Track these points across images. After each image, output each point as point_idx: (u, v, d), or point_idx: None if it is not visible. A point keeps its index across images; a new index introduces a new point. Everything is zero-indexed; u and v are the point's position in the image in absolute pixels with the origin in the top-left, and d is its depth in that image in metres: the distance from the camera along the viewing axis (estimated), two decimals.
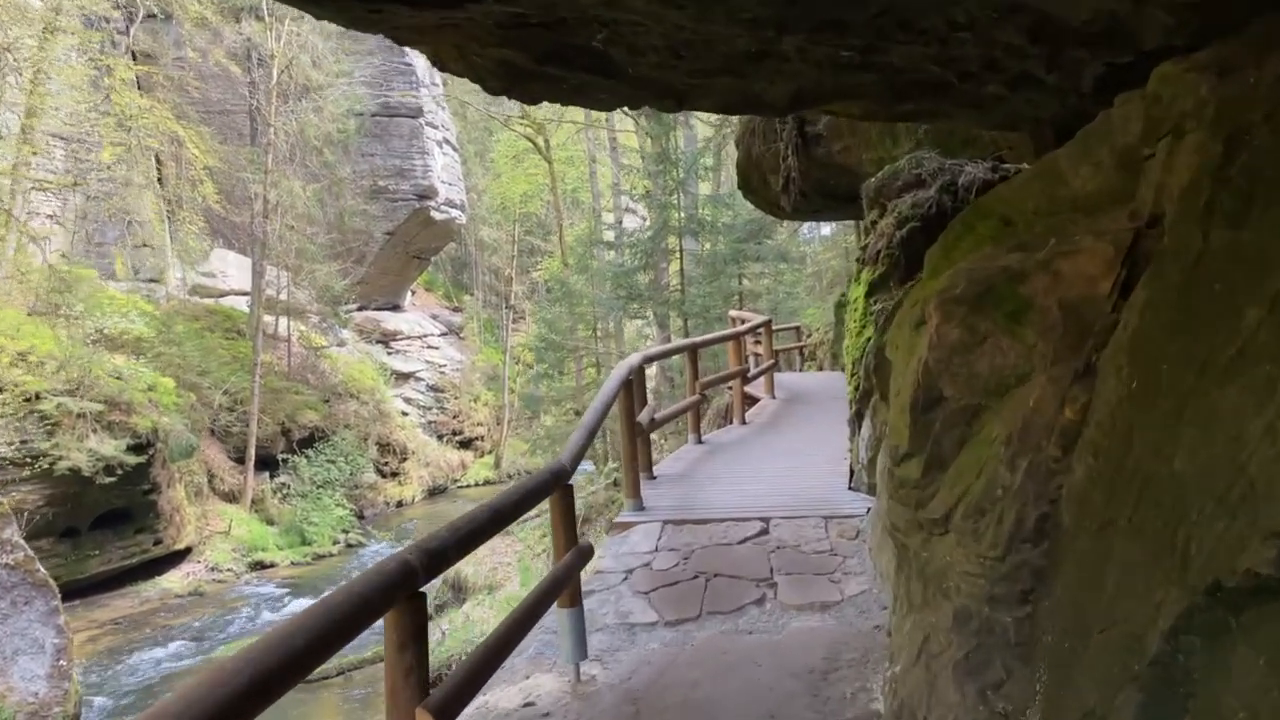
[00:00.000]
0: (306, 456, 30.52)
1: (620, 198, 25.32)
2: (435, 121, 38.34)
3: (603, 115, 28.89)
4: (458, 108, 41.88)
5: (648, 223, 21.89)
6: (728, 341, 13.15)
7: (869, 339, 9.61)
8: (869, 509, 8.26)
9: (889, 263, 9.87)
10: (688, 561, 7.50)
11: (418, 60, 37.35)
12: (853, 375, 9.82)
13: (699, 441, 11.64)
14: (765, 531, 8.02)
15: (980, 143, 11.51)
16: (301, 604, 25.00)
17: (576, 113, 30.17)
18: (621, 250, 21.05)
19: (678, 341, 11.01)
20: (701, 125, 24.34)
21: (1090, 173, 5.92)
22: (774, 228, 23.27)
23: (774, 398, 14.73)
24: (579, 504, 20.27)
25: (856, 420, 9.63)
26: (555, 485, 5.57)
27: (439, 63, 7.68)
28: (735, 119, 19.47)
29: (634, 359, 9.18)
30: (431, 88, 38.87)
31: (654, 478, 9.87)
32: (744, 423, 12.94)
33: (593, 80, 7.26)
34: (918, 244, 9.87)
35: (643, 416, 9.09)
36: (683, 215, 20.02)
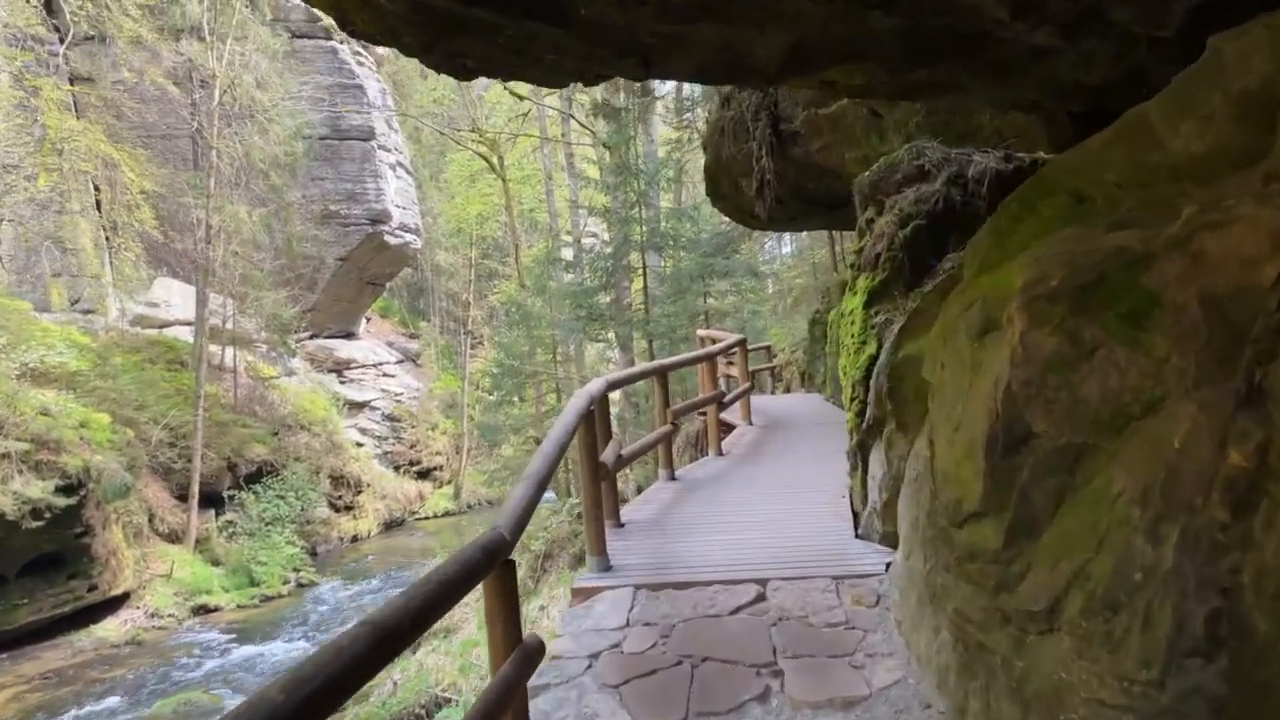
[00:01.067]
0: (254, 492, 28.62)
1: (579, 213, 23.67)
2: (388, 144, 36.57)
3: (559, 129, 27.32)
4: (412, 131, 40.16)
5: (607, 240, 20.26)
6: (700, 363, 11.47)
7: (871, 356, 7.97)
8: (888, 564, 6.58)
9: (891, 267, 8.26)
10: (668, 641, 5.78)
11: (369, 81, 35.62)
12: (853, 399, 8.17)
13: (671, 477, 9.95)
14: (762, 597, 6.32)
15: (980, 135, 9.94)
16: (248, 651, 23.31)
17: (531, 127, 28.65)
18: (581, 268, 19.36)
19: (645, 364, 9.36)
20: (664, 130, 22.88)
21: (1195, 129, 4.30)
22: (742, 241, 21.73)
23: (751, 424, 13.09)
24: (537, 540, 18.52)
25: (859, 453, 7.97)
26: (489, 566, 3.87)
27: (344, 21, 5.89)
28: (701, 121, 17.92)
29: (595, 385, 7.47)
30: (384, 110, 37.13)
31: (621, 525, 8.15)
32: (721, 453, 11.27)
33: (536, 30, 5.57)
34: (924, 245, 8.28)
35: (607, 455, 7.38)
36: (645, 229, 18.40)
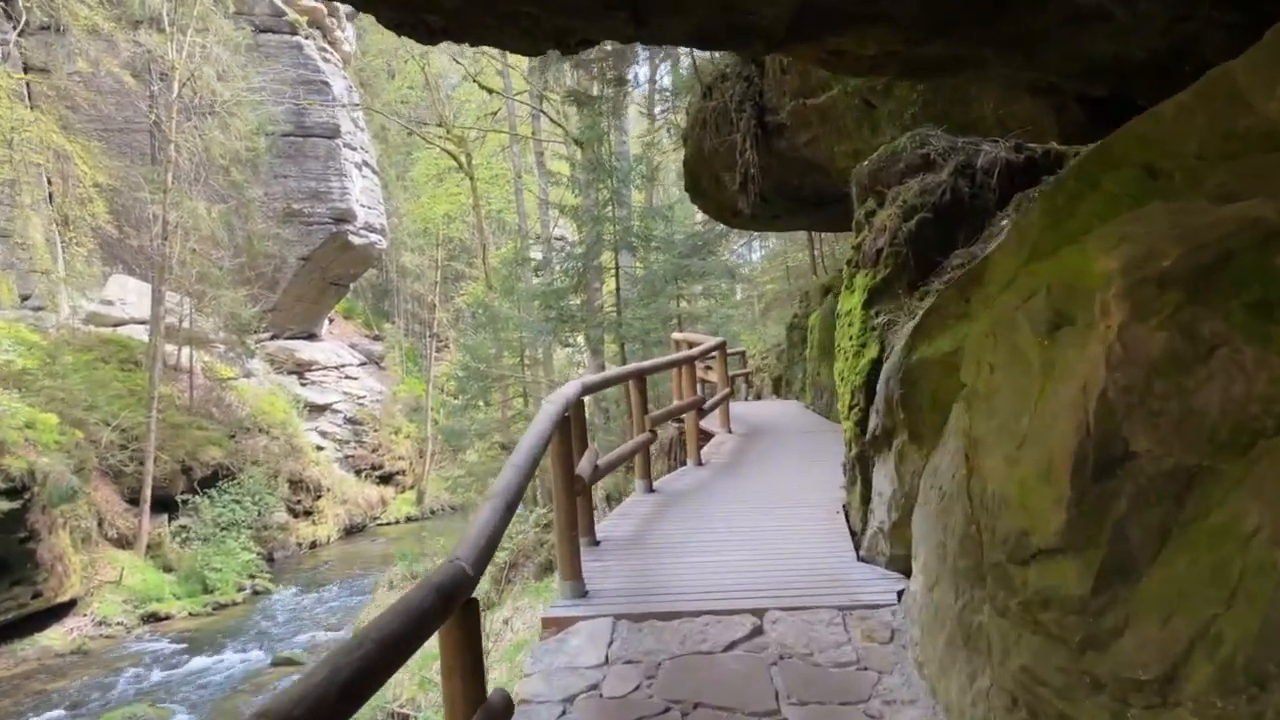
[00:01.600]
0: (209, 496, 27.48)
1: (548, 213, 22.75)
2: (354, 143, 35.51)
3: (529, 128, 26.40)
4: (378, 130, 39.11)
5: (578, 239, 19.36)
6: (678, 367, 10.66)
7: (873, 360, 7.21)
8: (900, 592, 5.80)
9: (894, 264, 7.49)
10: (653, 682, 4.96)
11: (335, 78, 34.57)
12: (852, 407, 7.40)
13: (650, 489, 9.12)
14: (759, 630, 5.51)
15: (982, 126, 9.20)
16: (200, 662, 22.26)
17: (501, 126, 27.77)
18: (551, 268, 18.46)
19: (621, 368, 8.52)
20: (638, 127, 22.04)
21: None
22: (719, 242, 20.98)
23: (730, 432, 12.30)
24: (502, 549, 17.58)
25: (859, 466, 7.19)
26: (445, 611, 3.06)
27: None
28: (679, 115, 17.16)
29: (571, 389, 6.65)
30: (351, 108, 36.08)
31: (597, 543, 7.31)
32: (700, 463, 10.46)
33: None
34: (929, 239, 7.52)
35: (583, 467, 6.56)
36: (618, 229, 17.57)
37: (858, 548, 6.90)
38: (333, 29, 35.68)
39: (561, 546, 6.15)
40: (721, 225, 19.05)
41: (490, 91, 26.19)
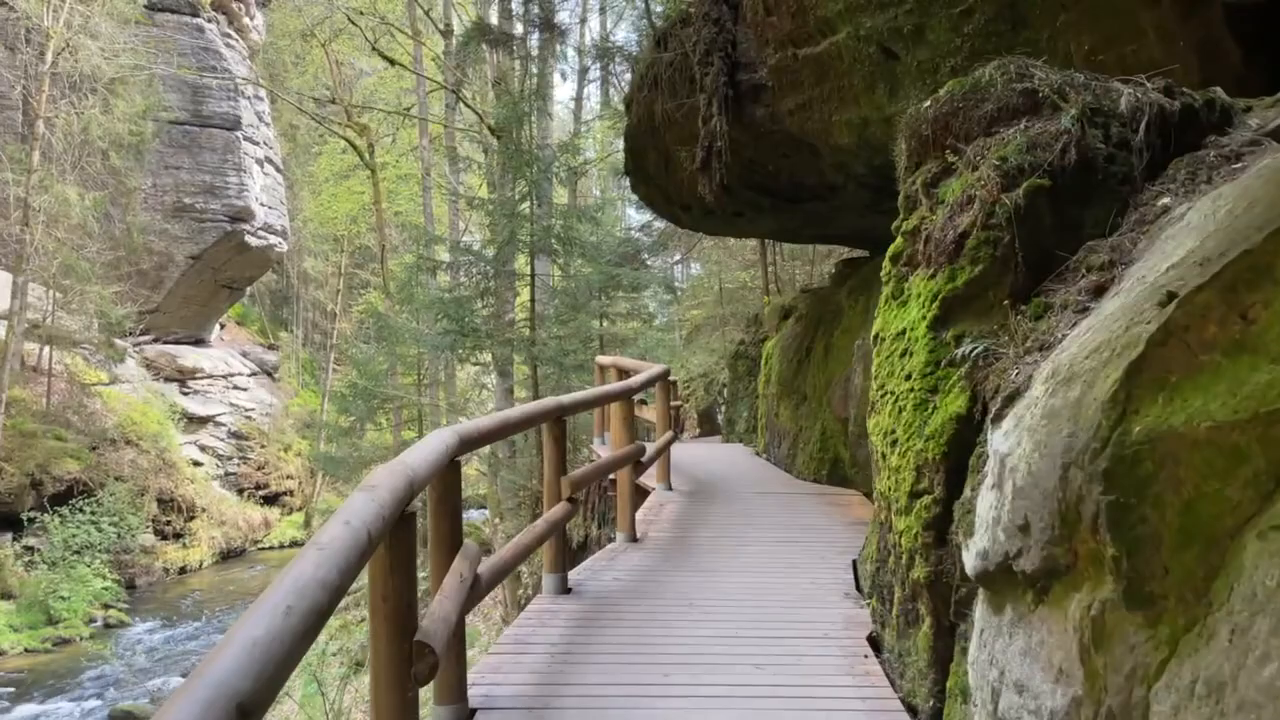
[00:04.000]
0: (61, 515, 23.27)
1: (458, 208, 19.25)
2: (256, 137, 31.46)
3: (439, 107, 22.70)
4: (286, 128, 35.05)
5: (486, 239, 15.85)
6: (607, 404, 7.31)
7: (957, 417, 4.00)
8: None
9: (989, 258, 4.25)
10: None
11: (238, 67, 30.53)
12: (917, 494, 4.19)
13: (564, 588, 5.76)
14: None
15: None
16: (25, 712, 18.35)
17: (414, 121, 24.17)
18: (456, 270, 15.00)
19: (531, 404, 5.24)
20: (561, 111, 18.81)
21: None
22: (656, 250, 17.75)
23: (670, 488, 9.03)
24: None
25: (937, 613, 3.98)
26: None
27: None
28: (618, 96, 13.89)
29: (432, 448, 3.32)
30: (255, 101, 32.04)
31: (469, 713, 3.93)
32: (635, 538, 7.12)
33: None
34: (1045, 219, 4.35)
35: (435, 617, 3.18)
36: (536, 229, 14.16)
37: None
38: (240, 15, 31.67)
39: None
40: (662, 228, 15.79)
41: (392, 63, 22.60)
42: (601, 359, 11.08)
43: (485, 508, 20.82)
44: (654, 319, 19.61)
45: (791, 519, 7.81)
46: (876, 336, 4.95)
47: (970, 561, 3.59)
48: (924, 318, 4.48)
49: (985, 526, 3.49)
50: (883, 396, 4.69)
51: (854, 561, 6.55)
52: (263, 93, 32.22)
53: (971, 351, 4.15)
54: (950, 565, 3.95)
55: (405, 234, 27.28)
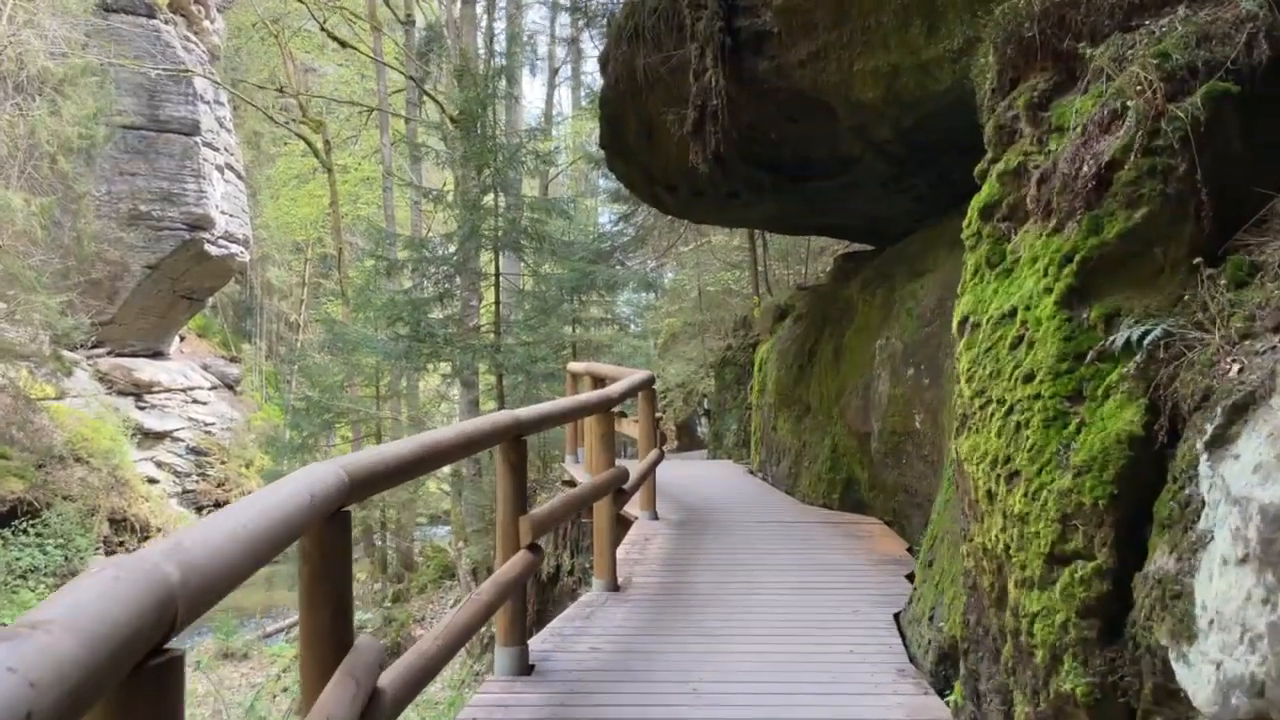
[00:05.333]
0: (3, 538, 21.27)
1: (420, 210, 17.60)
2: (216, 143, 29.57)
3: (400, 96, 20.92)
4: (250, 136, 33.16)
5: (444, 234, 14.13)
6: (580, 419, 5.69)
7: (1130, 438, 2.38)
8: None
9: (1155, 199, 2.71)
10: None
11: (197, 69, 28.69)
12: (1066, 557, 2.60)
13: (524, 667, 4.16)
14: None
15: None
16: None
17: (375, 122, 22.47)
18: (411, 270, 13.26)
19: (474, 424, 3.67)
20: (530, 92, 17.15)
21: None
22: (634, 247, 16.10)
23: (656, 517, 7.45)
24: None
25: None
26: None
27: None
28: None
29: (277, 504, 1.66)
30: (215, 106, 30.17)
31: None
32: (615, 586, 5.53)
33: None
34: (1232, 142, 2.79)
35: None
36: (501, 222, 12.49)
37: None
38: (200, 17, 29.84)
39: None
40: (641, 221, 14.21)
41: (343, 45, 20.89)
42: (574, 365, 9.46)
43: (450, 524, 19.09)
44: (630, 325, 18.01)
45: (806, 556, 6.24)
46: (965, 322, 3.41)
47: (1205, 690, 2.05)
48: (1050, 290, 2.94)
49: (1241, 633, 1.95)
50: (983, 407, 3.14)
51: (896, 617, 5.00)
52: (224, 97, 30.40)
53: (1142, 337, 2.60)
54: (1133, 678, 2.40)
55: (369, 239, 25.57)
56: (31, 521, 22.11)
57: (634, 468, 6.68)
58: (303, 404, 15.91)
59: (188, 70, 25.73)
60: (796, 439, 8.54)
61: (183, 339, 31.95)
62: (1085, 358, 2.77)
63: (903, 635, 4.79)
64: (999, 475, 2.97)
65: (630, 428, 8.11)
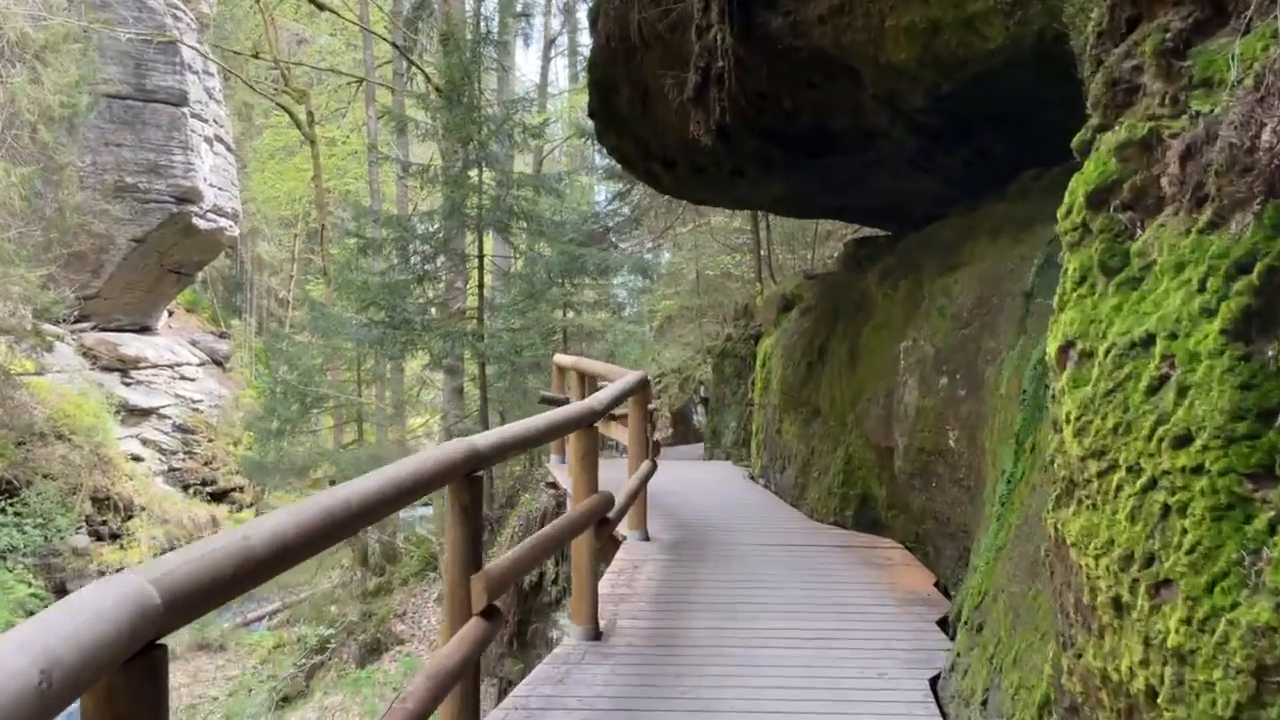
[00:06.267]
0: None
1: (406, 186, 16.51)
2: (204, 114, 28.43)
3: (389, 68, 19.79)
4: (240, 107, 31.97)
5: (423, 211, 13.03)
6: (570, 433, 4.69)
7: None
8: None
9: None
10: None
11: (185, 37, 27.50)
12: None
13: None
14: None
15: None
16: None
17: (363, 91, 21.34)
18: (386, 249, 12.17)
19: (416, 463, 2.77)
20: (525, 65, 16.02)
21: None
22: (628, 229, 15.07)
23: (647, 538, 6.50)
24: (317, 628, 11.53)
25: None
26: None
27: None
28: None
29: None
30: (204, 76, 29.00)
31: None
32: (597, 634, 4.59)
33: None
34: None
35: None
36: (485, 199, 11.43)
37: None
38: None
39: None
40: (637, 200, 13.17)
41: (321, 7, 19.79)
42: (560, 359, 8.46)
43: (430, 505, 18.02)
44: (624, 308, 16.95)
45: (820, 592, 5.31)
46: (1069, 349, 2.45)
47: None
48: (1211, 312, 1.99)
49: None
50: (1102, 474, 2.19)
51: (933, 684, 4.08)
52: (213, 68, 29.22)
53: None
54: None
55: (349, 215, 24.48)
56: (10, 500, 21.30)
57: (622, 484, 5.73)
58: (281, 388, 14.90)
59: (172, 38, 24.54)
60: (804, 445, 7.59)
61: (171, 314, 30.91)
62: (1278, 417, 1.83)
63: (940, 705, 3.89)
64: (1134, 580, 2.03)
65: (618, 432, 7.17)
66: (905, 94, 5.39)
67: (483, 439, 3.38)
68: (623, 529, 6.33)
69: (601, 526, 4.58)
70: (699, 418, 15.86)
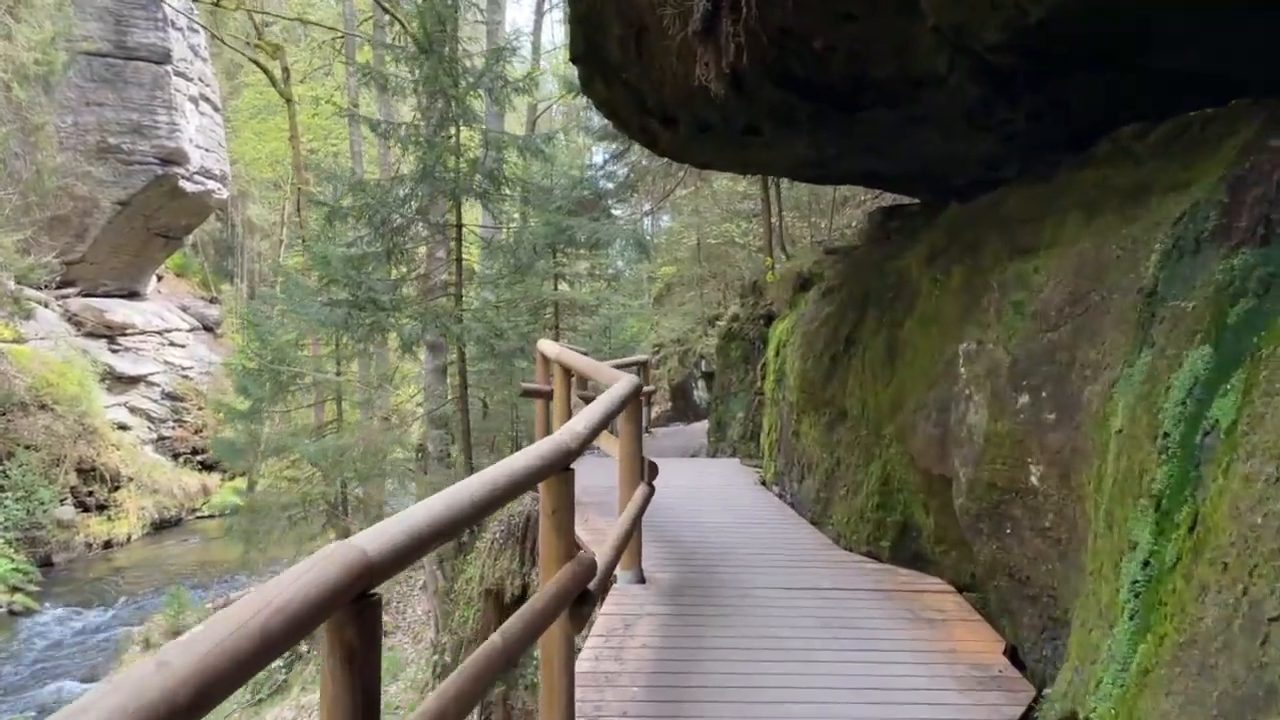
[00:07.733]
0: None
1: (388, 148, 15.05)
2: (189, 73, 26.88)
3: (370, 24, 18.24)
4: (228, 66, 30.31)
5: (397, 175, 11.58)
6: (545, 480, 3.42)
7: None
8: None
9: None
10: None
11: (171, 2, 25.83)
12: None
13: None
14: None
15: None
16: None
17: (336, 23, 19.78)
18: (356, 217, 10.75)
19: (284, 589, 1.70)
20: (518, 18, 14.48)
21: None
22: (623, 194, 13.61)
23: (642, 578, 5.19)
24: None
25: None
26: None
27: None
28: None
29: None
30: (189, 33, 27.38)
31: None
32: None
33: None
34: None
35: None
36: (463, 163, 9.98)
37: None
38: None
39: None
40: (636, 159, 11.78)
41: None
42: (545, 346, 7.14)
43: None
44: (619, 276, 15.55)
45: (859, 666, 4.05)
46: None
47: None
48: None
49: None
50: None
51: None
52: (197, 24, 27.57)
53: None
54: None
55: (319, 180, 22.99)
56: None
57: (609, 540, 4.45)
58: (256, 365, 13.58)
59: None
60: (827, 453, 6.30)
61: (160, 279, 29.53)
62: None
63: None
64: None
65: (608, 443, 5.92)
66: (975, 29, 4.02)
67: (375, 540, 2.05)
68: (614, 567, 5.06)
69: (580, 606, 3.32)
70: (699, 393, 14.59)
